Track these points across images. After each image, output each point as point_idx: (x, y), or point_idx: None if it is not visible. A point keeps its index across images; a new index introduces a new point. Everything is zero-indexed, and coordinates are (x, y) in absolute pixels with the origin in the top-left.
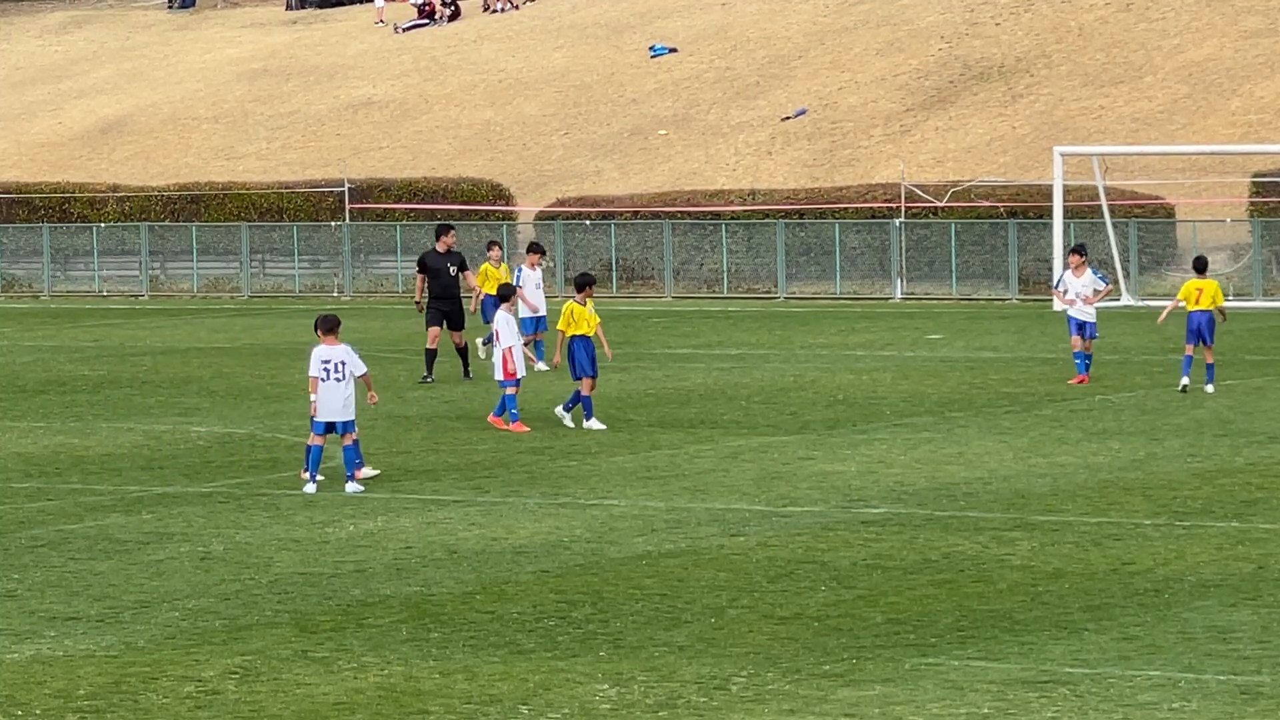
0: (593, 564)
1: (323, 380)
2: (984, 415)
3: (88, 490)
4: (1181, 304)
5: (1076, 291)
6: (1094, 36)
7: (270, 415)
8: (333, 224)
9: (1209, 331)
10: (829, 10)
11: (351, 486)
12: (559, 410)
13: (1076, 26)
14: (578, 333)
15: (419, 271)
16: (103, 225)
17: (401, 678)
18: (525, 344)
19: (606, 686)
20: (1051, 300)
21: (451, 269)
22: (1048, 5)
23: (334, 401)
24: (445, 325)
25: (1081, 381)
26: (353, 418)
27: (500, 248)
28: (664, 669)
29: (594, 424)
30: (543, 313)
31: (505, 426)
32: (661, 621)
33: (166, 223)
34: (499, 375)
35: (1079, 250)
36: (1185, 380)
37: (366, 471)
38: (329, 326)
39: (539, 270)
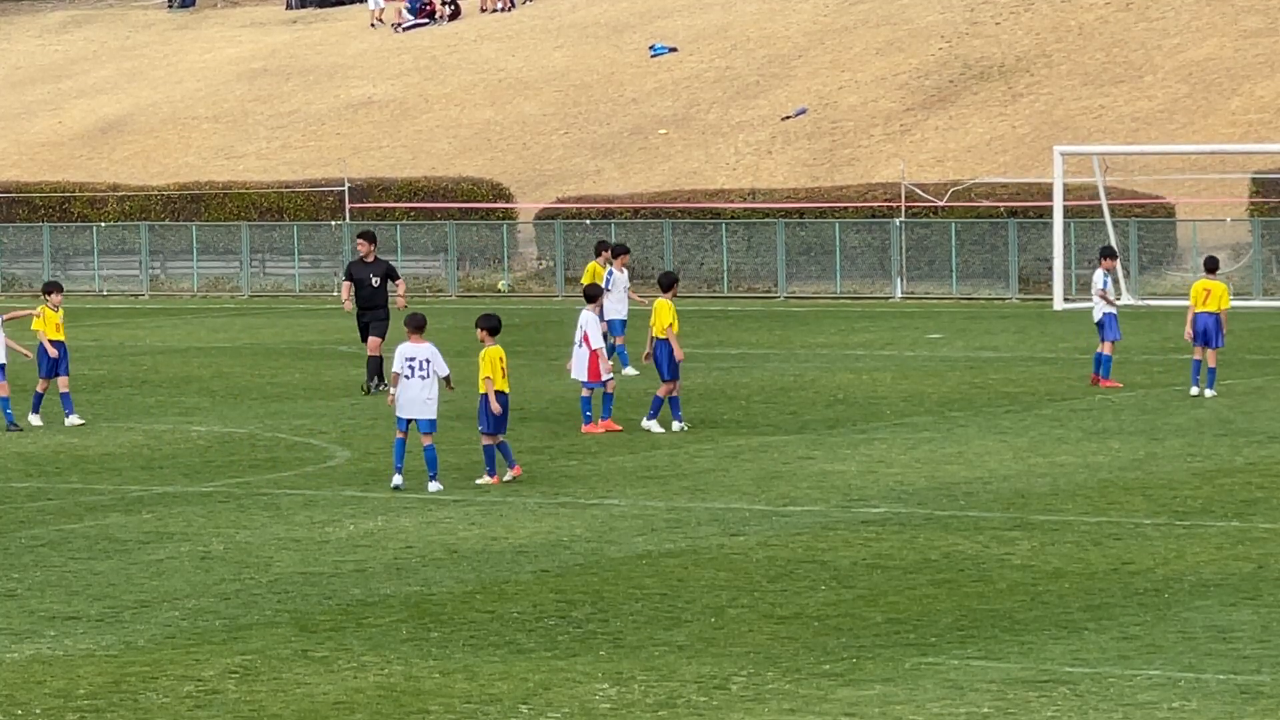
0: (593, 563)
1: (406, 377)
2: (984, 415)
3: (88, 490)
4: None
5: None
6: (1094, 36)
7: (270, 415)
8: (333, 223)
9: (1215, 333)
10: (829, 10)
11: (433, 486)
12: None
13: (1077, 26)
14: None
15: (345, 280)
16: (103, 225)
17: (401, 677)
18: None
19: (606, 686)
20: (1052, 300)
21: (374, 279)
22: (1048, 5)
23: (414, 398)
24: (367, 334)
25: (1103, 383)
26: (434, 417)
27: (629, 253)
28: (664, 668)
29: (652, 425)
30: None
31: (603, 429)
32: (661, 621)
33: (167, 222)
34: (584, 377)
35: (1111, 253)
36: (1196, 389)
37: (507, 475)
38: (417, 325)
39: (626, 272)
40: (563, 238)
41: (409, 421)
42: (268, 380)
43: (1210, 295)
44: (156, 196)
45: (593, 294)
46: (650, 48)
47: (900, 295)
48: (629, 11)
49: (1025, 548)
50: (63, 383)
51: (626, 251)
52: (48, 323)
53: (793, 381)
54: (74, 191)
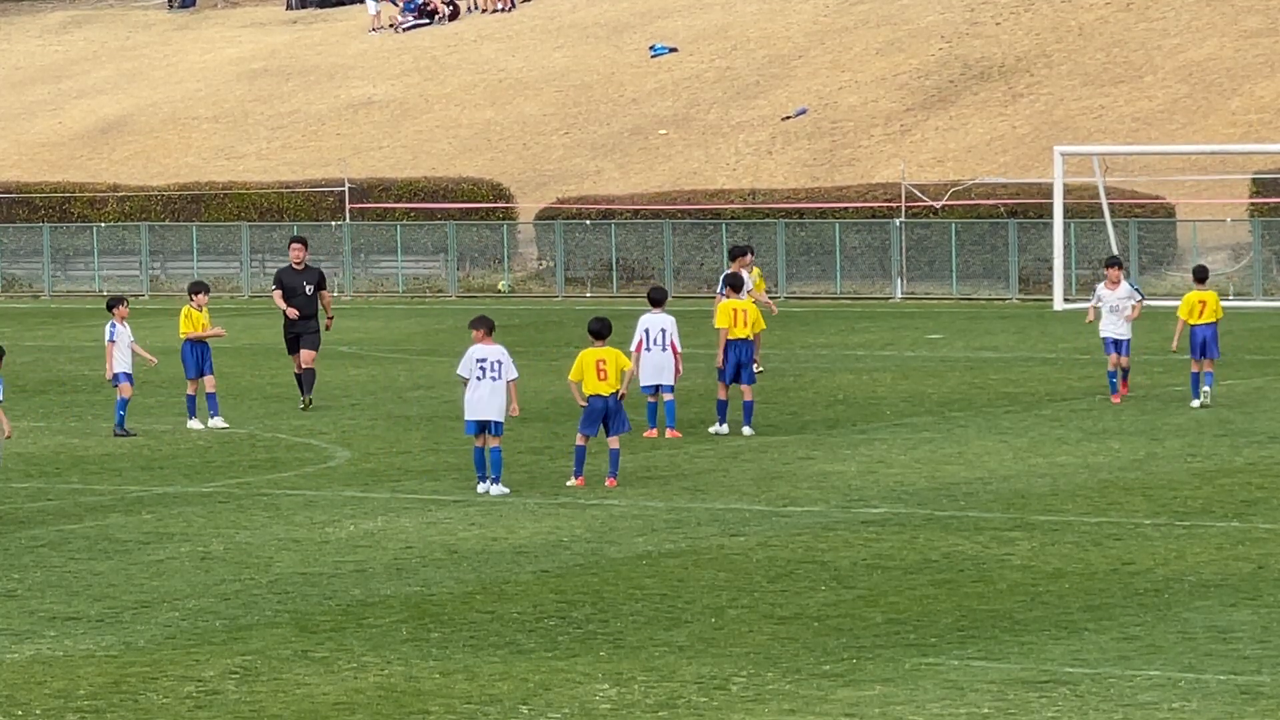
0: (593, 564)
1: (477, 379)
2: (984, 415)
3: (88, 490)
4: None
5: (1112, 306)
6: (1094, 36)
7: (270, 415)
8: (333, 224)
9: (1213, 344)
10: (829, 10)
11: (496, 489)
12: (720, 429)
13: (1077, 26)
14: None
15: (276, 288)
16: (103, 225)
17: (401, 678)
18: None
19: (606, 686)
20: (1052, 300)
21: (308, 287)
22: (1048, 5)
23: (487, 401)
24: (297, 346)
25: (1123, 393)
26: (503, 419)
27: (752, 253)
28: (664, 669)
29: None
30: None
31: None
32: (661, 621)
33: (167, 222)
34: (666, 380)
35: (1116, 263)
36: (1196, 402)
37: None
38: (489, 327)
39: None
40: (563, 238)
41: (482, 425)
42: (268, 380)
43: (1205, 307)
44: (156, 197)
45: (658, 298)
46: (650, 48)
47: (900, 295)
48: (629, 12)
49: (1025, 548)
50: (209, 383)
51: (744, 252)
52: (195, 323)
53: (793, 382)
54: (74, 192)
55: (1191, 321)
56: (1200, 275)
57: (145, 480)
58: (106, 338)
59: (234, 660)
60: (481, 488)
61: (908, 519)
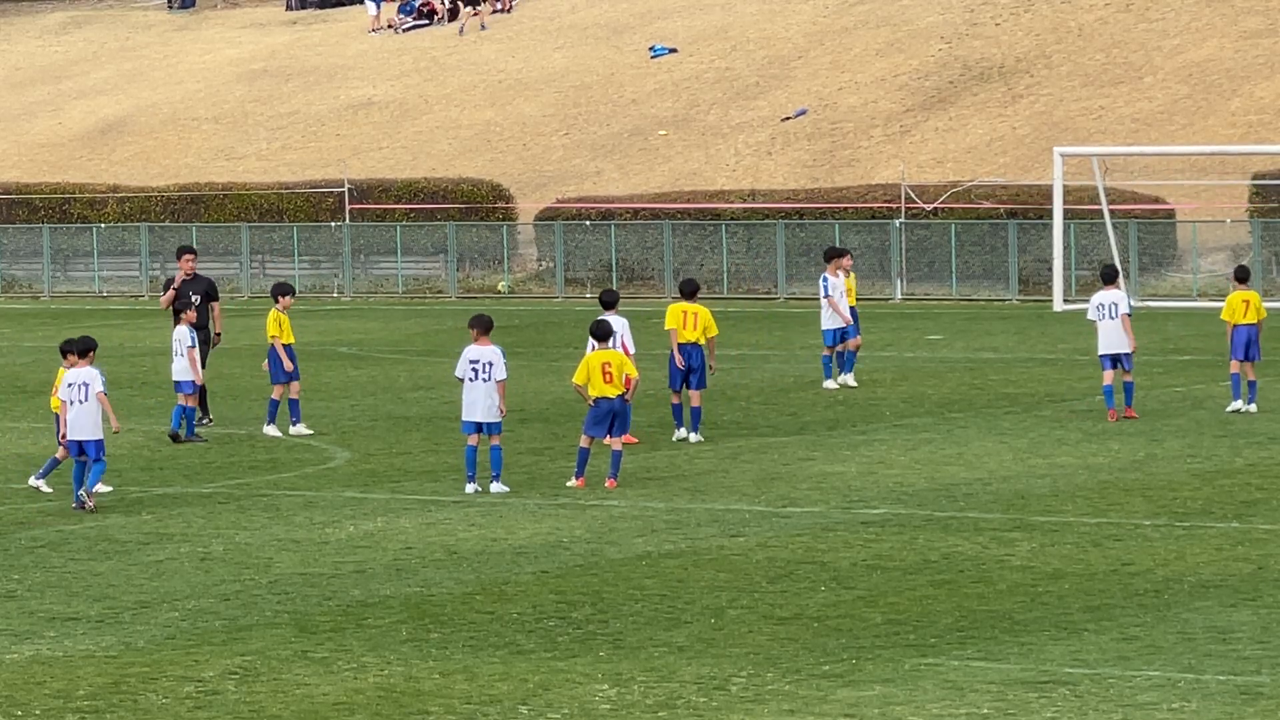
0: (592, 564)
1: (470, 380)
2: (984, 416)
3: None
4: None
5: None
6: (1094, 37)
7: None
8: (333, 224)
9: (1256, 346)
10: (829, 11)
11: (496, 486)
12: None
13: (1076, 27)
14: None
15: (169, 290)
16: (103, 226)
17: (401, 678)
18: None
19: (606, 687)
20: (1051, 301)
21: (195, 298)
22: (1048, 5)
23: (478, 401)
24: None
25: (1125, 416)
26: (499, 419)
27: (850, 256)
28: (663, 669)
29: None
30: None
31: None
32: (661, 622)
33: (166, 223)
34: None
35: (1112, 276)
36: (1238, 404)
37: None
38: (483, 327)
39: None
40: (563, 239)
41: (478, 425)
42: (267, 381)
43: (1250, 306)
44: (156, 198)
45: (610, 300)
46: (650, 49)
47: (900, 296)
48: (629, 12)
49: (1025, 549)
50: (294, 388)
51: (843, 254)
52: (283, 328)
53: (793, 383)
54: (74, 193)
55: (1235, 322)
56: (1242, 275)
57: (145, 481)
58: (189, 343)
59: (234, 661)
60: (470, 488)
61: (907, 520)
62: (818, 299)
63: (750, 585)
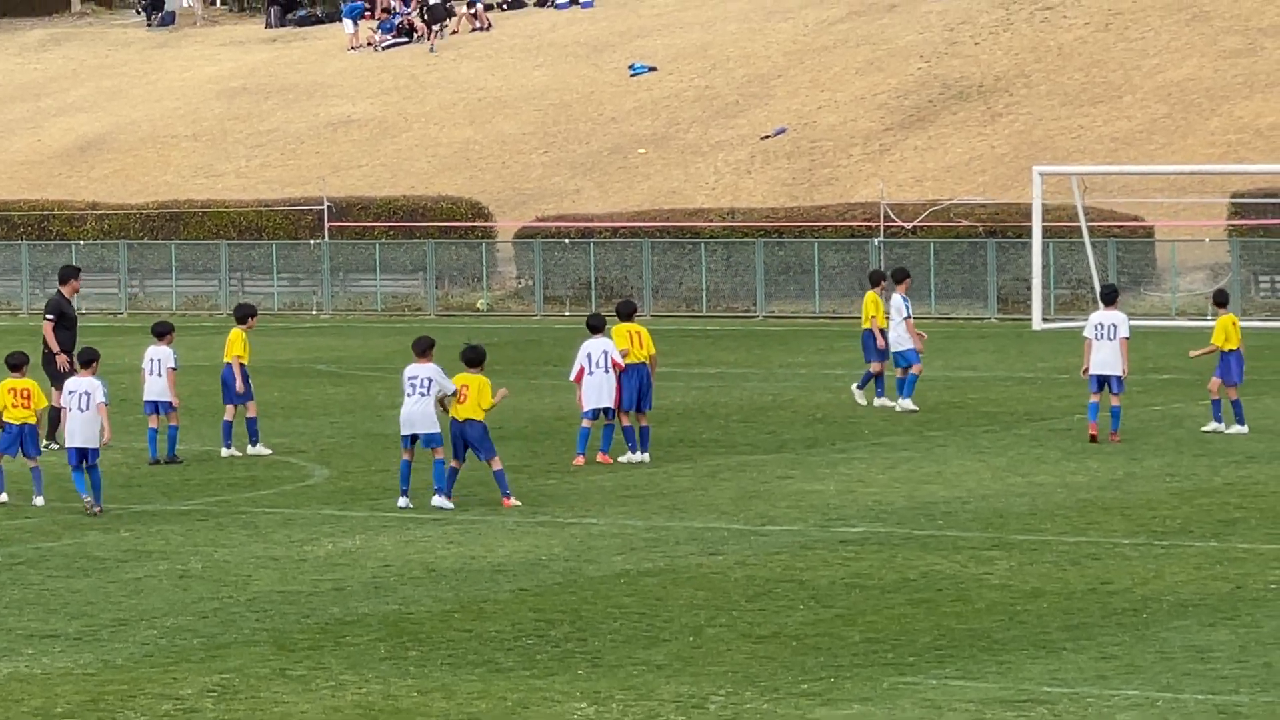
0: (571, 582)
1: (408, 395)
2: (962, 434)
3: (66, 508)
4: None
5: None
6: (1073, 56)
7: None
8: (311, 242)
9: (1240, 369)
10: (808, 29)
11: (438, 500)
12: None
13: (1055, 46)
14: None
15: (50, 317)
16: (82, 243)
17: (380, 696)
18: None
19: (585, 705)
20: (1030, 320)
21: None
22: (1027, 25)
23: (416, 416)
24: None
25: (1109, 440)
26: (436, 431)
27: (885, 279)
28: (642, 687)
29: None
30: (901, 346)
31: None
32: (640, 640)
33: (145, 240)
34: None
35: (1113, 296)
36: (1219, 425)
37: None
38: (420, 349)
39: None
40: (542, 257)
41: (413, 439)
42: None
43: (1237, 329)
44: (135, 215)
45: (597, 324)
46: (630, 67)
47: None
48: (608, 31)
49: (1003, 567)
50: (251, 408)
51: (908, 275)
52: (245, 349)
53: (771, 401)
54: (53, 210)
55: (1228, 346)
56: (1223, 300)
57: (123, 498)
58: (171, 364)
59: (212, 678)
60: (402, 501)
61: (886, 538)
62: (796, 317)
63: (729, 603)
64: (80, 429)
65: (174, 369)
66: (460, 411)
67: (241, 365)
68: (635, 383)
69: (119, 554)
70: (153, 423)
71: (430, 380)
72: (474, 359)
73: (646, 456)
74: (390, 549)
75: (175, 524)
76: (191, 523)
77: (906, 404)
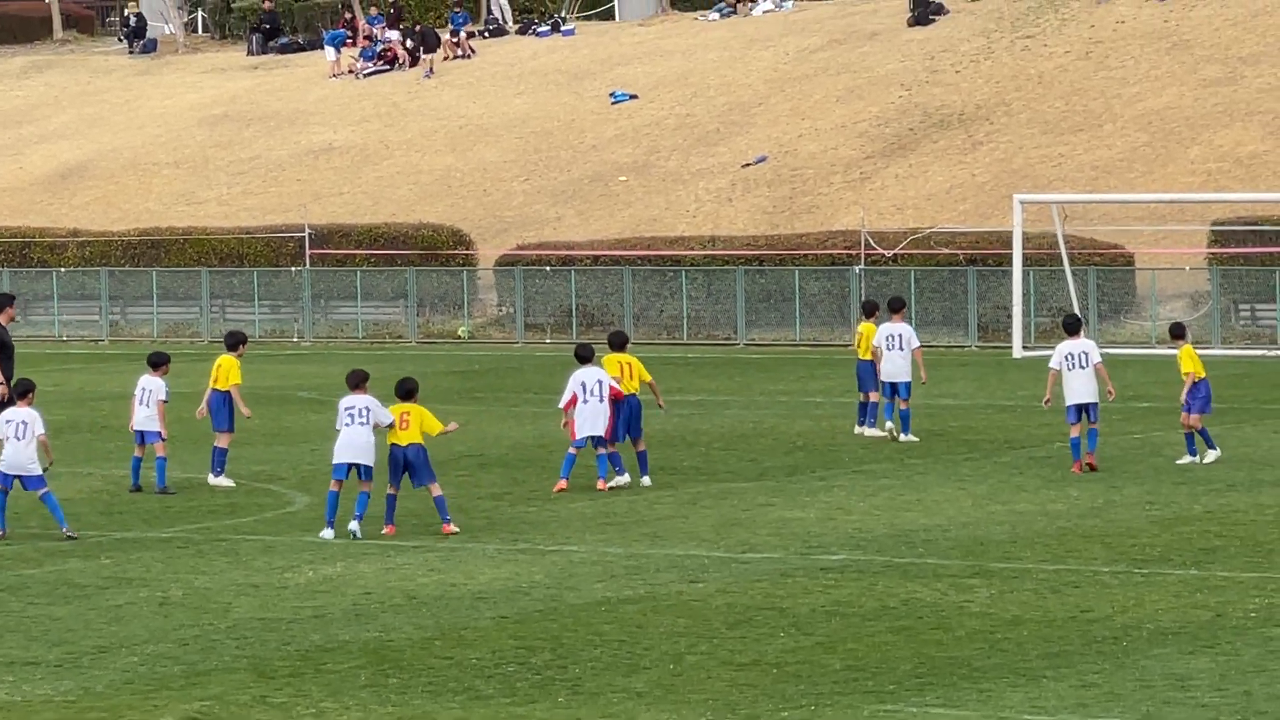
0: (552, 610)
1: (346, 425)
2: (943, 462)
3: (46, 535)
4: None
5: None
6: (1054, 85)
7: (229, 460)
8: (293, 269)
9: (1209, 399)
10: (789, 58)
11: (354, 524)
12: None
13: (1036, 75)
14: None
15: None
16: (63, 270)
17: None
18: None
19: None
20: (1010, 349)
21: None
22: (1008, 53)
23: (354, 443)
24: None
25: (1087, 463)
26: (372, 463)
27: (878, 309)
28: (622, 715)
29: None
30: (895, 379)
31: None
32: (620, 668)
33: (127, 268)
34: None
35: (1076, 326)
36: (1194, 458)
37: (453, 528)
38: (356, 381)
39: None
40: (523, 284)
41: (349, 468)
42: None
43: (1198, 360)
44: (117, 242)
45: (585, 355)
46: (611, 95)
47: None
48: (589, 59)
49: (984, 595)
50: (225, 439)
51: (903, 304)
52: (237, 373)
53: (752, 428)
54: (34, 237)
55: (1201, 375)
56: (1180, 331)
57: (104, 525)
58: (162, 397)
59: (192, 706)
60: (325, 533)
61: (866, 566)
62: (777, 345)
63: (709, 631)
64: (12, 456)
65: (164, 401)
66: (403, 437)
67: (223, 394)
68: (625, 414)
69: (100, 581)
70: (138, 451)
71: (368, 409)
72: (409, 391)
73: (648, 480)
74: (371, 576)
75: (156, 551)
76: (172, 550)
77: (910, 437)
